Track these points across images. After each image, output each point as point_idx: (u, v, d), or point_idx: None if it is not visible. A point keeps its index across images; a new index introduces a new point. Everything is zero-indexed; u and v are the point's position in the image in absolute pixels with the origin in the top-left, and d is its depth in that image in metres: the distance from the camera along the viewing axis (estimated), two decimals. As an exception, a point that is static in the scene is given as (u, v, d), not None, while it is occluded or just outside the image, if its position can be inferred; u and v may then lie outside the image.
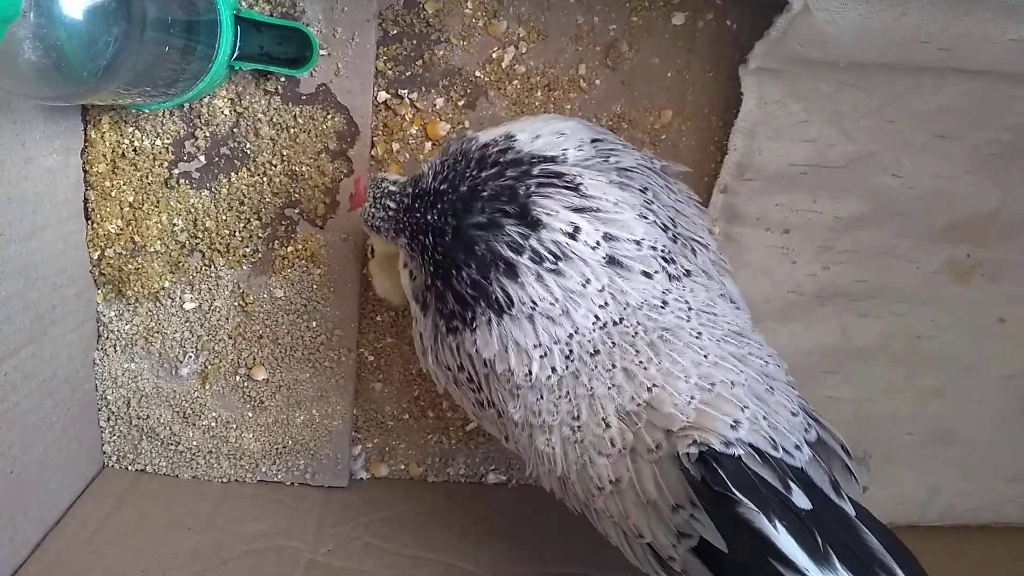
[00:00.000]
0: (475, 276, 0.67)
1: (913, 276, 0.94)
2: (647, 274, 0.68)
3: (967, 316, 0.96)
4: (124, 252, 0.92)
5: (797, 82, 0.86)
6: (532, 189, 0.67)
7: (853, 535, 0.60)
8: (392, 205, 0.72)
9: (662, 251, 0.69)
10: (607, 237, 0.67)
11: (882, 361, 0.97)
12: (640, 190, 0.71)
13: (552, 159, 0.69)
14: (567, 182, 0.68)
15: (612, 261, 0.67)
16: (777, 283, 0.94)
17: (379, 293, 0.89)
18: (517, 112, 0.92)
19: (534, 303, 0.67)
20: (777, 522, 0.56)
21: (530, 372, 0.69)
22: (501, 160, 0.69)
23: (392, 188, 0.72)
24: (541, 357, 0.68)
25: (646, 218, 0.69)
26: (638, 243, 0.68)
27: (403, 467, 1.03)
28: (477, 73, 0.91)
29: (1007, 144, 0.89)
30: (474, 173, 0.69)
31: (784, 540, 0.56)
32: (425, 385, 0.99)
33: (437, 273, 0.70)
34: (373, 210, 0.73)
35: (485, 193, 0.68)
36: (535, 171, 0.68)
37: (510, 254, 0.66)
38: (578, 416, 0.68)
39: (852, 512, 0.63)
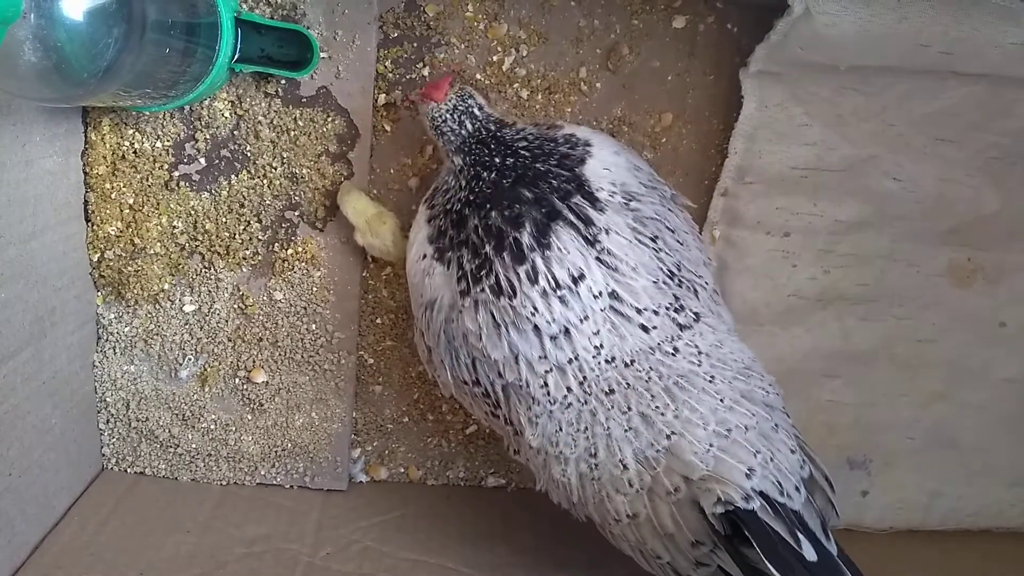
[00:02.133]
0: (501, 223, 0.70)
1: (914, 280, 0.94)
2: (644, 328, 0.70)
3: (968, 320, 0.96)
4: (124, 254, 0.92)
5: (798, 85, 0.86)
6: (563, 216, 0.70)
7: None
8: (470, 127, 0.75)
9: (668, 306, 0.71)
10: (613, 295, 0.69)
11: (883, 365, 0.96)
12: (651, 238, 0.72)
13: (591, 197, 0.71)
14: (591, 235, 0.70)
15: (612, 311, 0.69)
16: (778, 286, 0.94)
17: (378, 255, 0.92)
18: (518, 116, 0.92)
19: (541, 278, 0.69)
20: None
21: (546, 384, 0.70)
22: (569, 170, 0.72)
23: (478, 113, 0.76)
24: (547, 372, 0.69)
25: (656, 282, 0.70)
26: (639, 311, 0.69)
27: (402, 470, 1.02)
28: (478, 76, 0.91)
29: (1008, 148, 0.89)
30: (552, 161, 0.73)
31: None
32: (425, 388, 0.99)
33: (474, 202, 0.72)
34: (449, 116, 0.76)
35: (551, 182, 0.71)
36: (575, 200, 0.71)
37: (537, 226, 0.70)
38: (595, 454, 0.69)
39: (836, 552, 0.65)
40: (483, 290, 0.70)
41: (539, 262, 0.69)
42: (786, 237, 0.92)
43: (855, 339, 0.95)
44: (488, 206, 0.71)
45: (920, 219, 0.92)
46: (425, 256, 0.76)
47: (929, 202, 0.91)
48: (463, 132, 0.76)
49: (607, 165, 0.74)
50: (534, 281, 0.68)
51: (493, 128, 0.75)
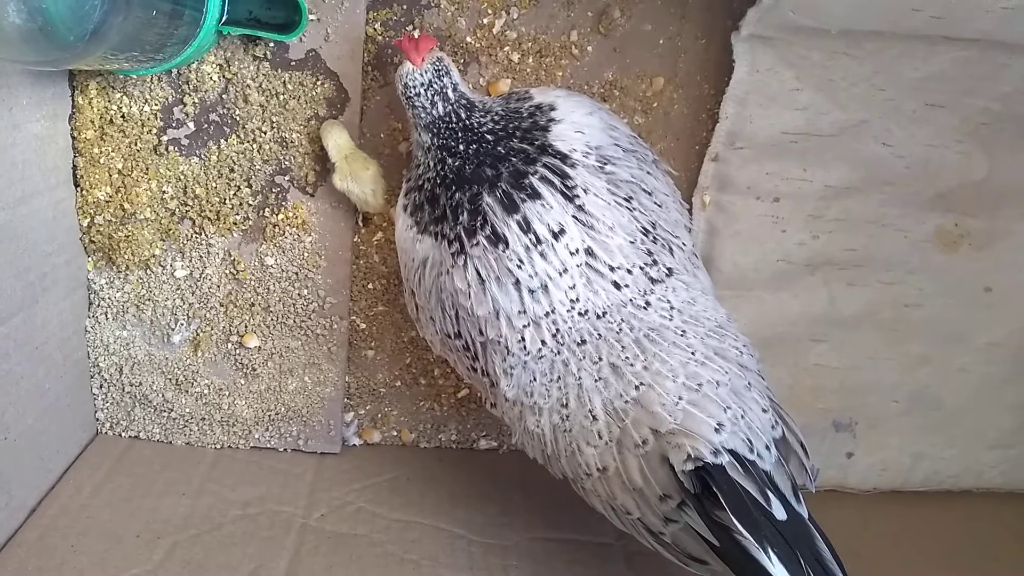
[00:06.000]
0: (467, 202, 0.72)
1: (901, 245, 0.95)
2: (617, 285, 0.71)
3: (954, 285, 0.97)
4: (114, 219, 0.91)
5: (789, 50, 0.86)
6: (535, 178, 0.71)
7: (811, 545, 0.62)
8: (441, 110, 0.75)
9: (643, 265, 0.72)
10: (589, 252, 0.70)
11: (869, 329, 0.97)
12: (625, 199, 0.73)
13: (564, 157, 0.72)
14: (567, 187, 0.71)
15: (588, 267, 0.70)
16: (767, 252, 0.94)
17: (356, 202, 0.91)
18: (510, 79, 0.92)
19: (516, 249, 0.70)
20: (771, 551, 0.58)
21: (523, 339, 0.71)
22: (531, 143, 0.73)
23: (451, 94, 0.75)
24: (524, 327, 0.70)
25: (633, 242, 0.71)
26: (612, 268, 0.71)
27: (395, 433, 1.03)
28: (468, 39, 0.91)
29: (997, 113, 0.89)
30: (514, 140, 0.73)
31: (779, 571, 0.58)
32: (417, 353, 1.00)
33: (442, 184, 0.74)
34: (423, 91, 0.75)
35: (511, 164, 0.72)
36: (546, 160, 0.72)
37: (507, 201, 0.71)
38: (566, 404, 0.70)
39: (806, 515, 0.65)
40: (477, 243, 0.71)
41: (523, 217, 0.70)
42: (776, 202, 0.93)
43: (842, 304, 0.96)
44: (454, 188, 0.73)
45: (909, 184, 0.92)
46: (412, 227, 0.77)
47: (918, 167, 0.91)
48: (434, 112, 0.75)
49: (579, 127, 0.74)
50: (526, 231, 0.70)
51: (463, 115, 0.75)
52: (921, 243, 0.95)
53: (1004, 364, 0.99)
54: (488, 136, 0.74)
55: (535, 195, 0.70)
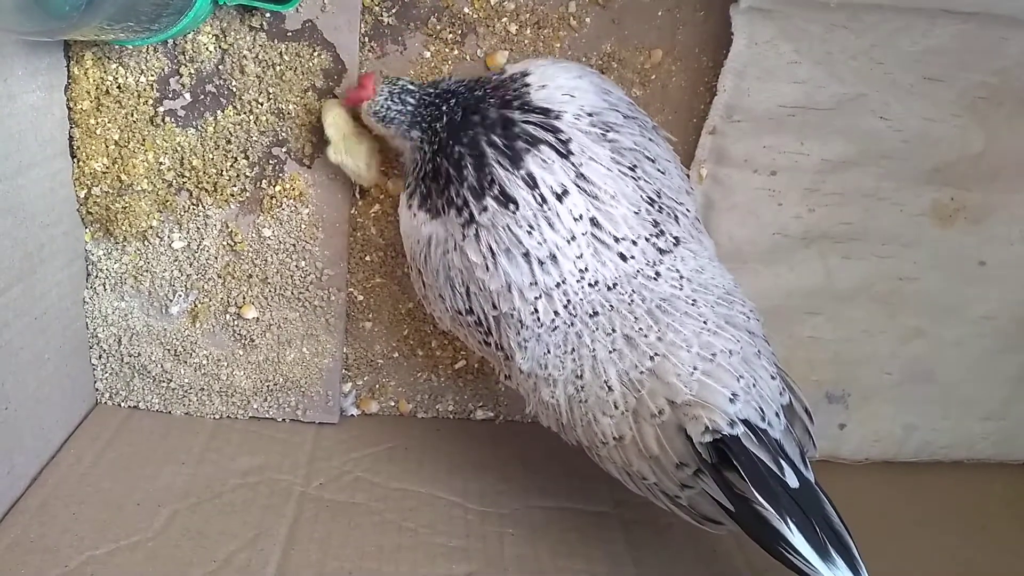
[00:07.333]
0: (464, 150, 0.72)
1: (897, 219, 0.95)
2: (623, 257, 0.71)
3: (949, 259, 0.97)
4: (111, 191, 0.91)
5: (788, 22, 0.86)
6: (525, 138, 0.71)
7: (822, 510, 0.63)
8: (413, 101, 0.78)
9: (649, 235, 0.71)
10: (593, 222, 0.70)
11: (864, 302, 0.98)
12: (629, 167, 0.72)
13: (546, 111, 0.72)
14: (560, 140, 0.70)
15: (593, 237, 0.70)
16: (763, 225, 0.95)
17: (351, 176, 0.91)
18: (508, 51, 0.91)
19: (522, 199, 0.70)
20: (790, 521, 0.59)
21: (536, 311, 0.71)
22: (506, 97, 0.74)
23: (411, 87, 0.79)
24: (536, 298, 0.70)
25: (637, 212, 0.71)
26: (617, 239, 0.70)
27: (393, 404, 1.04)
28: (466, 10, 0.90)
29: (995, 87, 0.89)
30: (488, 89, 0.75)
31: (798, 541, 0.59)
32: (415, 324, 1.00)
33: (439, 151, 0.75)
34: (390, 103, 0.79)
35: (490, 101, 0.73)
36: (531, 118, 0.72)
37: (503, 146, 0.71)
38: (581, 375, 0.71)
39: (813, 478, 0.66)
40: (487, 208, 0.70)
41: (527, 173, 0.70)
42: (772, 175, 0.93)
43: (837, 277, 0.97)
44: (451, 142, 0.73)
45: (906, 158, 0.92)
46: (416, 215, 0.77)
47: (915, 141, 0.92)
48: (408, 108, 0.78)
49: (567, 91, 0.74)
50: (532, 187, 0.69)
51: (432, 90, 0.78)
52: (917, 217, 0.95)
53: (997, 337, 1.00)
54: (460, 90, 0.76)
55: (533, 141, 0.70)
